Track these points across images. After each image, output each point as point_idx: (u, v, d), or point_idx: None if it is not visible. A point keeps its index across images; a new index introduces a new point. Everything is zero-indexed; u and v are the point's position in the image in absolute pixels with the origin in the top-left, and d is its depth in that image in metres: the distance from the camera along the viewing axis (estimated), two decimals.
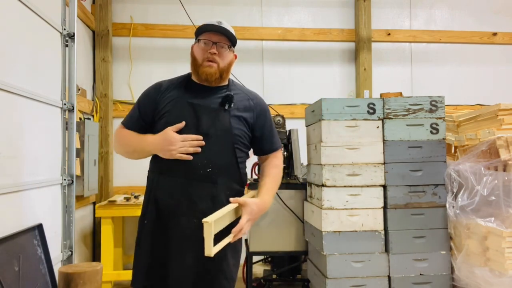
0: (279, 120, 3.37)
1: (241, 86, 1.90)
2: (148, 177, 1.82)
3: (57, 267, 2.19)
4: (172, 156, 1.65)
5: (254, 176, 3.43)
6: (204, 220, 1.47)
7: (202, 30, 1.75)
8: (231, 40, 1.77)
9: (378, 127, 2.66)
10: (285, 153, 3.18)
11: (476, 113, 2.72)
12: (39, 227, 2.13)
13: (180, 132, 1.68)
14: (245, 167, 1.81)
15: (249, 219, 1.63)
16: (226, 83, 1.82)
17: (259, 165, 1.92)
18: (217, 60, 1.73)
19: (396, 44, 4.56)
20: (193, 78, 1.81)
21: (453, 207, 2.56)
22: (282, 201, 3.09)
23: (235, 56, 1.84)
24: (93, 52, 4.12)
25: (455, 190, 2.57)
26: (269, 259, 3.69)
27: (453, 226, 2.59)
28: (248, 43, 4.38)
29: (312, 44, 4.45)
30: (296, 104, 4.35)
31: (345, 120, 2.64)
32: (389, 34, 4.50)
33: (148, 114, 1.79)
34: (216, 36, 1.73)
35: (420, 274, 2.59)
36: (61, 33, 2.48)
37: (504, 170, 2.45)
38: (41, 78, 2.25)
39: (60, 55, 2.49)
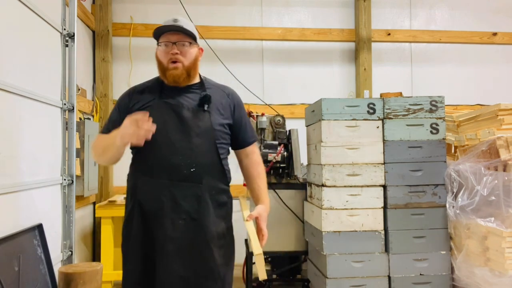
0: (279, 120, 3.36)
1: (213, 82, 1.88)
2: (128, 181, 1.78)
3: (57, 267, 2.19)
4: (140, 138, 1.51)
5: None
6: (257, 253, 1.56)
7: (160, 33, 1.71)
8: (190, 36, 1.72)
9: (378, 127, 2.66)
10: (285, 153, 3.17)
11: (476, 113, 2.71)
12: (39, 227, 2.13)
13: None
14: (228, 164, 1.82)
15: (265, 225, 1.78)
16: (197, 80, 1.80)
17: (239, 161, 1.93)
18: (181, 59, 1.70)
19: (396, 44, 4.56)
20: (163, 80, 1.78)
21: (453, 207, 2.56)
22: (282, 201, 3.09)
23: (201, 50, 1.80)
24: (93, 52, 4.12)
25: (455, 190, 2.57)
26: (269, 259, 3.68)
27: (453, 226, 2.59)
28: (248, 43, 4.37)
29: (312, 44, 4.45)
30: (296, 104, 4.34)
31: (345, 120, 2.64)
32: (389, 34, 4.49)
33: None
34: (174, 35, 1.70)
35: (420, 274, 2.59)
36: (61, 33, 2.48)
37: (504, 170, 2.44)
38: (41, 78, 2.25)
39: (60, 55, 2.49)
